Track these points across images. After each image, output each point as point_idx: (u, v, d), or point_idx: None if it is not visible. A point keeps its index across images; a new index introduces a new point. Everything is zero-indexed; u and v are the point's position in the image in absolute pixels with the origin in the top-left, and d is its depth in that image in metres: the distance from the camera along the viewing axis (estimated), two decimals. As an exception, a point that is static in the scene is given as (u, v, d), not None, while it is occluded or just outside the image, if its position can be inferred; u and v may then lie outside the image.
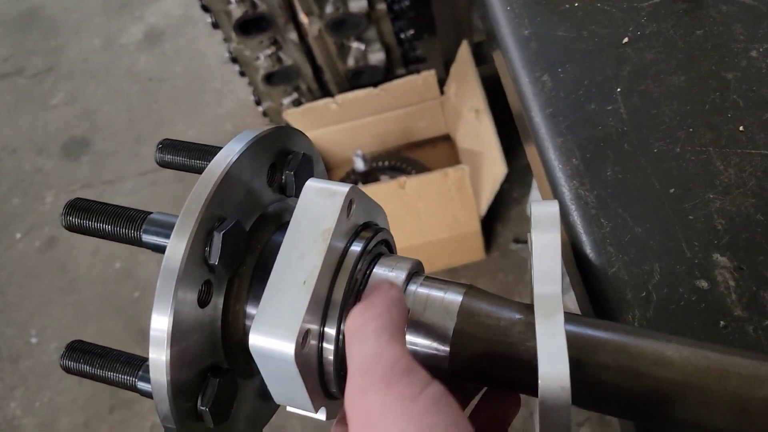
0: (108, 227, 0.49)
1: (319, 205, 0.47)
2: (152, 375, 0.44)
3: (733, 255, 0.51)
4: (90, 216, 0.49)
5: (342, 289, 0.46)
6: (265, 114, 2.30)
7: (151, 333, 0.43)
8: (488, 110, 1.89)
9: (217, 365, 0.48)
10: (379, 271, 0.48)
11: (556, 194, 0.57)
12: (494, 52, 0.72)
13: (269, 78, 1.99)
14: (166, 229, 0.48)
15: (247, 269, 0.49)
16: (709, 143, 0.56)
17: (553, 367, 0.40)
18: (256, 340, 0.44)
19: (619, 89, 0.60)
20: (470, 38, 2.07)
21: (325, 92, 2.16)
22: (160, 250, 0.48)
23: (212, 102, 2.75)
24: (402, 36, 2.06)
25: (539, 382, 0.40)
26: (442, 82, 2.14)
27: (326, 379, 0.47)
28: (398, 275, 0.48)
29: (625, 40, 0.62)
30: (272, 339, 0.43)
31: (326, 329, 0.46)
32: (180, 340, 0.44)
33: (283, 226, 0.52)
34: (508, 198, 2.24)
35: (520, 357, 0.44)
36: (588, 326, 0.45)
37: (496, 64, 0.73)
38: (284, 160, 0.52)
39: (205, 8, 1.84)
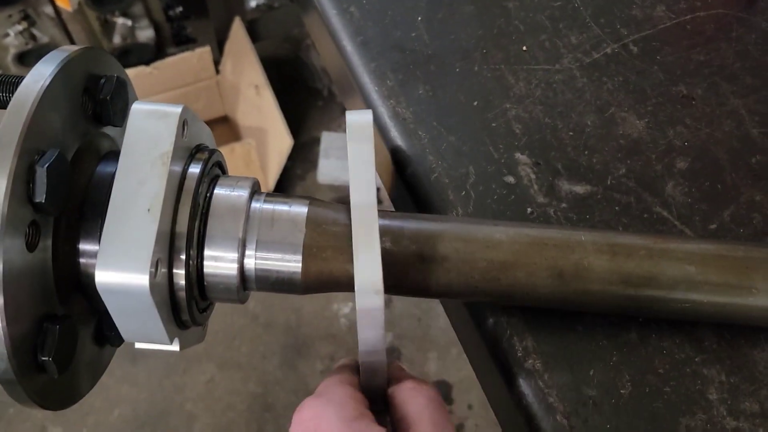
0: None
1: (151, 128, 0.44)
2: None
3: (531, 153, 0.58)
4: None
5: (186, 213, 0.45)
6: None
7: None
8: (268, 84, 1.90)
9: (53, 313, 0.44)
10: (221, 191, 0.48)
11: (376, 115, 0.61)
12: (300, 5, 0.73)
13: (22, 58, 1.80)
14: None
15: (75, 205, 0.46)
16: (500, 61, 0.63)
17: (368, 274, 0.43)
18: (104, 277, 0.41)
19: (419, 18, 0.65)
20: (243, 15, 2.05)
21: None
22: None
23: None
24: (170, 13, 1.98)
25: (355, 287, 0.43)
26: (216, 64, 2.10)
27: (179, 308, 0.46)
28: (240, 194, 0.47)
29: (420, -25, 0.67)
30: (123, 273, 0.41)
31: (175, 255, 0.44)
32: (11, 290, 0.39)
33: (105, 158, 0.49)
34: (292, 175, 2.27)
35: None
36: (425, 221, 0.49)
37: (303, 17, 0.74)
38: (97, 86, 0.48)
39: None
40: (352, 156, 0.48)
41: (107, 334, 0.51)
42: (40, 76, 0.43)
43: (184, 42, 2.09)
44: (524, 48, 0.64)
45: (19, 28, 1.73)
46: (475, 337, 0.53)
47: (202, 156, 0.48)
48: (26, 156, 0.40)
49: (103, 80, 0.48)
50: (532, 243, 0.48)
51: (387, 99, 0.60)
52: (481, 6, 0.66)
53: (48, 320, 0.43)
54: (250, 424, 1.86)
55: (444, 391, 1.93)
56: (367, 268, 0.43)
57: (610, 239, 0.49)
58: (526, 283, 0.47)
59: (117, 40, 1.87)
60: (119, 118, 0.49)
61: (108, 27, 1.85)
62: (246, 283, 0.47)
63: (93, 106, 0.48)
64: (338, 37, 0.64)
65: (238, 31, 1.99)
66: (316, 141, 2.25)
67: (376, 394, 0.48)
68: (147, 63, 1.91)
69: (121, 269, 0.40)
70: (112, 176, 0.45)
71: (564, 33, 0.65)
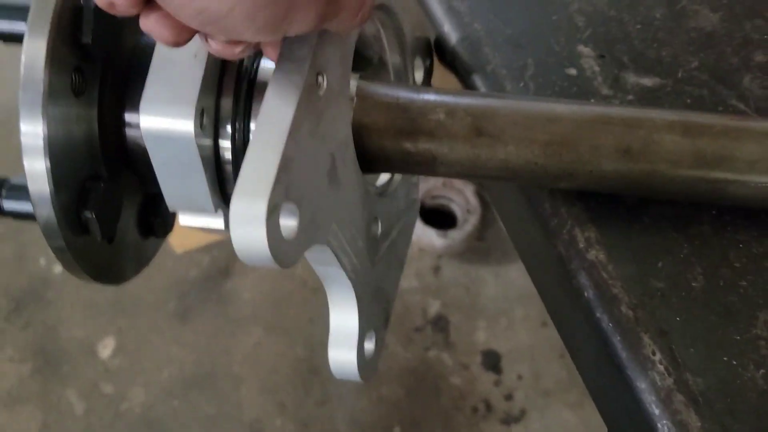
0: None
1: None
2: (31, 185, 0.38)
3: (595, 46, 0.55)
4: None
5: (233, 79, 0.43)
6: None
7: (23, 138, 0.38)
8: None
9: (97, 175, 0.43)
10: (267, 63, 0.46)
11: (429, 12, 0.58)
12: None
13: None
14: (16, 11, 0.42)
15: (120, 68, 0.44)
16: (562, -44, 0.59)
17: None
18: (148, 121, 0.40)
19: None
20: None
21: None
22: (13, 38, 0.42)
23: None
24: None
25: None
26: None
27: (224, 177, 0.44)
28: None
29: None
30: (167, 118, 0.39)
31: (222, 116, 0.43)
32: (58, 142, 0.38)
33: None
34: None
35: (423, 126, 0.44)
36: (481, 96, 0.47)
37: None
38: None
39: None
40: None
41: (152, 221, 0.50)
42: None
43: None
44: (588, -57, 0.60)
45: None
46: (532, 228, 0.50)
47: None
48: None
49: None
50: (596, 118, 0.44)
51: (441, -6, 0.58)
52: None
53: (92, 180, 0.42)
54: (297, 386, 1.86)
55: (493, 361, 1.89)
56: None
57: (683, 116, 0.45)
58: (590, 160, 0.44)
59: None
60: None
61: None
62: None
63: None
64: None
65: None
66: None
67: None
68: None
69: (164, 114, 0.39)
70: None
71: (631, -73, 0.61)
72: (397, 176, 0.54)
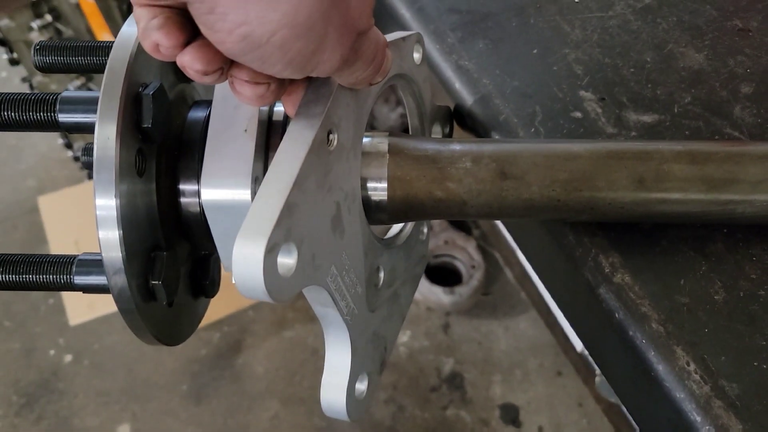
0: (17, 115, 0.46)
1: None
2: (104, 253, 0.42)
3: (595, 90, 0.60)
4: None
5: (279, 134, 0.47)
6: (77, 159, 2.17)
7: (98, 211, 0.41)
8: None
9: (159, 245, 0.47)
10: None
11: (438, 72, 0.63)
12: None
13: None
14: (85, 104, 0.46)
15: (172, 143, 0.48)
16: (554, 13, 0.65)
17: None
18: (209, 194, 0.44)
19: (472, -17, 0.68)
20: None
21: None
22: (83, 128, 0.46)
23: (9, 159, 2.53)
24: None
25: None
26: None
27: None
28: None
29: (468, -54, 0.71)
30: (226, 190, 0.43)
31: None
32: (127, 214, 0.42)
33: (194, 105, 0.52)
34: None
35: (452, 174, 0.48)
36: (502, 142, 0.51)
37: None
38: None
39: (2, 42, 1.71)
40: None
41: (202, 282, 0.53)
42: (134, 27, 0.46)
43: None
44: (576, 0, 0.66)
45: (78, 83, 1.82)
46: (558, 259, 0.53)
47: None
48: (132, 86, 0.43)
49: None
50: (610, 154, 0.49)
51: (449, 55, 0.63)
52: (529, -32, 0.69)
53: (156, 250, 0.45)
54: (317, 458, 1.84)
55: (512, 415, 1.88)
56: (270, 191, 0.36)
57: (688, 146, 0.49)
58: (607, 193, 0.48)
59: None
60: None
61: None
62: None
63: None
64: (396, 7, 0.68)
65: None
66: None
67: None
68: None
69: (224, 186, 0.43)
70: (204, 119, 0.48)
71: (613, -16, 0.67)
72: (406, 229, 0.58)
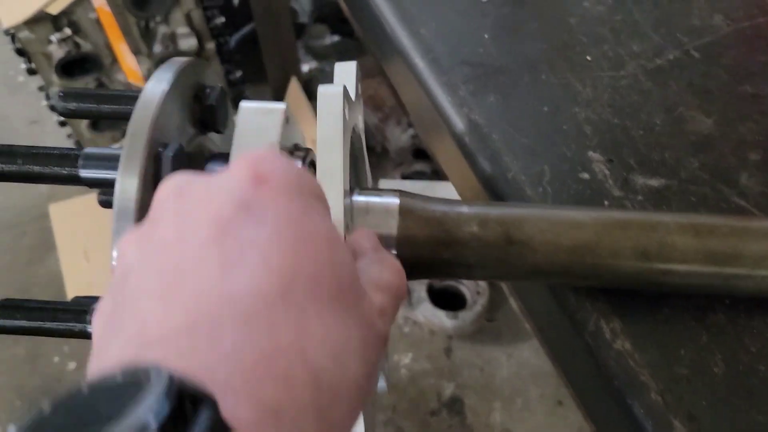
0: (40, 169, 0.47)
1: (258, 123, 0.48)
2: None
3: (603, 151, 0.60)
4: (11, 161, 0.47)
5: None
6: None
7: (114, 262, 0.42)
8: (325, 140, 1.96)
9: None
10: None
11: (449, 125, 0.64)
12: (367, 35, 0.79)
13: (96, 123, 1.91)
14: (107, 161, 0.47)
15: None
16: (566, 71, 0.66)
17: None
18: None
19: (486, 35, 0.69)
20: (299, 76, 2.15)
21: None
22: (104, 183, 0.47)
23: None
24: (230, 78, 2.09)
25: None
26: (273, 123, 2.19)
27: None
28: None
29: (484, -1, 0.72)
30: None
31: None
32: None
33: (211, 159, 0.53)
34: (348, 230, 2.31)
35: (459, 237, 0.49)
36: (509, 207, 0.52)
37: (368, 46, 0.80)
38: (204, 94, 0.53)
39: (21, 52, 1.74)
40: (321, 123, 0.47)
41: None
42: (159, 82, 0.47)
43: (242, 105, 2.20)
44: (588, 58, 0.67)
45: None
46: (559, 322, 0.54)
47: (301, 153, 0.52)
48: (153, 146, 0.44)
49: (208, 89, 0.53)
50: (615, 224, 0.49)
51: (460, 107, 0.64)
52: (544, 22, 0.70)
53: None
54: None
55: (510, 443, 1.88)
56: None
57: (692, 219, 0.50)
58: (611, 262, 0.48)
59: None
60: (222, 124, 0.53)
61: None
62: None
63: (200, 112, 0.52)
64: (409, 56, 0.69)
65: (294, 89, 2.09)
66: (371, 195, 2.30)
67: None
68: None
69: None
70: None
71: (626, 43, 0.68)
72: None
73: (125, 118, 0.49)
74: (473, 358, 2.02)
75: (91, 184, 0.47)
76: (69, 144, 2.13)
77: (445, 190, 2.07)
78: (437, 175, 2.22)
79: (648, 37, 0.68)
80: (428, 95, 0.66)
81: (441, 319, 1.95)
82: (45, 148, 0.48)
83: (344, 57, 2.54)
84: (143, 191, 0.42)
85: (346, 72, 0.52)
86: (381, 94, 2.31)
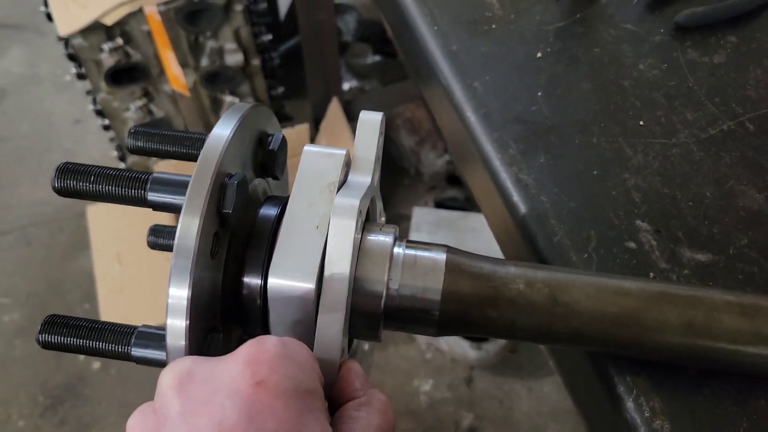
0: (109, 188, 0.49)
1: (320, 164, 0.50)
2: (169, 340, 0.44)
3: (651, 221, 0.60)
4: (85, 178, 0.49)
5: None
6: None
7: (170, 300, 0.43)
8: (361, 162, 1.98)
9: (215, 327, 0.49)
10: (371, 237, 0.52)
11: (498, 182, 0.65)
12: (421, 79, 0.79)
13: (116, 78, 1.92)
14: (173, 186, 0.49)
15: (244, 234, 0.51)
16: (618, 135, 0.66)
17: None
18: (275, 283, 0.46)
19: (539, 93, 0.69)
20: (340, 96, 2.17)
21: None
22: (170, 208, 0.49)
23: (63, 161, 2.61)
24: (273, 93, 2.12)
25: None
26: (312, 140, 2.22)
27: None
28: (385, 239, 0.51)
29: (539, 54, 0.72)
30: (292, 282, 0.45)
31: None
32: (195, 304, 0.44)
33: (266, 201, 0.54)
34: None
35: (505, 295, 0.49)
36: (555, 270, 0.52)
37: (421, 89, 0.80)
38: (266, 140, 0.54)
39: (72, 57, 1.78)
40: (359, 145, 0.53)
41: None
42: (226, 125, 0.49)
43: (282, 120, 2.22)
44: (641, 123, 0.67)
45: (139, 103, 1.89)
46: (597, 395, 0.54)
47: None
48: (220, 175, 0.45)
49: (270, 136, 0.54)
50: (661, 294, 0.49)
51: (509, 166, 0.64)
52: (597, 83, 0.70)
53: (213, 331, 0.47)
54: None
55: (526, 479, 1.86)
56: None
57: (739, 298, 0.50)
58: (656, 333, 0.48)
59: (223, 116, 2.01)
60: (280, 170, 0.54)
61: (216, 104, 1.99)
62: (387, 321, 0.50)
63: (262, 157, 0.53)
64: (462, 109, 0.69)
65: (335, 110, 2.11)
66: (403, 217, 2.31)
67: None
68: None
69: (290, 278, 0.45)
70: (276, 214, 0.50)
71: (679, 110, 0.68)
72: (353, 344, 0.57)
73: (191, 159, 0.51)
74: (493, 390, 2.01)
75: (156, 207, 0.49)
76: (111, 146, 2.17)
77: (478, 220, 2.07)
78: (470, 202, 2.22)
79: (702, 105, 0.68)
80: (478, 149, 0.67)
81: (465, 349, 1.94)
82: (116, 170, 0.50)
83: (385, 78, 2.56)
84: (206, 220, 0.44)
85: (371, 122, 0.54)
86: (418, 117, 2.32)
